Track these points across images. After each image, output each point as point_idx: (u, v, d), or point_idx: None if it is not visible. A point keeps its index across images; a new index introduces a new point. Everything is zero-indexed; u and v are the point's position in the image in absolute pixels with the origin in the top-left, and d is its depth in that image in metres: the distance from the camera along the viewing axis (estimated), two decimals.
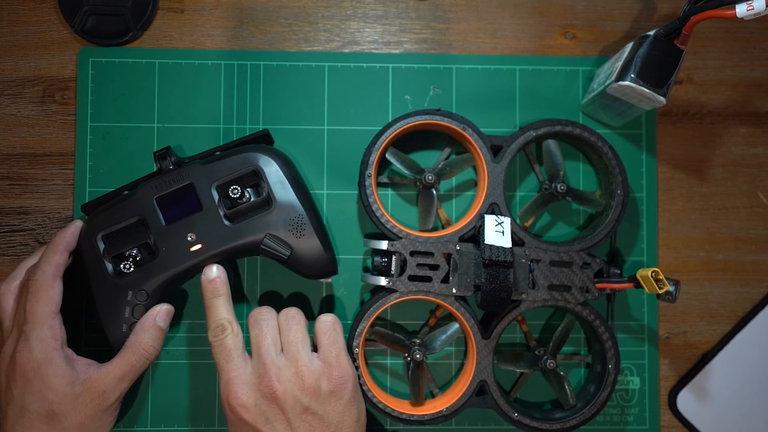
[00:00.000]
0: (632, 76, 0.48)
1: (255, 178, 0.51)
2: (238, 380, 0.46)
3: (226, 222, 0.50)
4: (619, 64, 0.50)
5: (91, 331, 0.55)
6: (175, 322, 0.55)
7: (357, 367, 0.51)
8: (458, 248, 0.52)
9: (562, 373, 0.54)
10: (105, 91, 0.56)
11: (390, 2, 0.58)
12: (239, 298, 0.56)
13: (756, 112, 0.58)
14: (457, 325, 0.54)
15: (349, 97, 0.57)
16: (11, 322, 0.49)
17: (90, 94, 0.56)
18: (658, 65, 0.48)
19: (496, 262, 0.49)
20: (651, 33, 0.49)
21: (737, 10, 0.43)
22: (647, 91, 0.48)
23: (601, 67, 0.56)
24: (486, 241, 0.50)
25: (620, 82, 0.48)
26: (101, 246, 0.50)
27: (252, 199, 0.51)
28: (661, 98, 0.48)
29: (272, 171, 0.51)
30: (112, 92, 0.56)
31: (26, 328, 0.47)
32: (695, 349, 0.58)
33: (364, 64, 0.57)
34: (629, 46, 0.50)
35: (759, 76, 0.58)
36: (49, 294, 0.47)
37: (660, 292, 0.48)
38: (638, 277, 0.49)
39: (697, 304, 0.58)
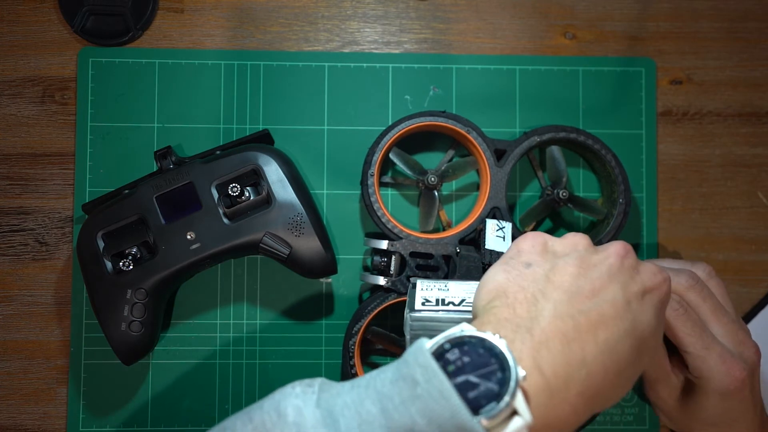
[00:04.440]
0: None
1: (255, 177, 0.51)
2: None
3: (226, 220, 0.50)
4: None
5: (91, 330, 0.55)
6: (174, 321, 0.55)
7: None
8: (458, 251, 0.52)
9: None
10: (105, 91, 0.56)
11: (390, 2, 0.58)
12: (239, 298, 0.55)
13: (756, 112, 0.58)
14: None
15: (349, 97, 0.57)
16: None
17: (90, 94, 0.56)
18: None
19: None
20: None
21: None
22: None
23: None
24: (487, 246, 0.50)
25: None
26: (101, 244, 0.50)
27: (251, 198, 0.51)
28: None
29: (272, 170, 0.51)
30: (112, 92, 0.56)
31: None
32: None
33: (364, 64, 0.57)
34: None
35: (759, 76, 0.58)
36: None
37: None
38: None
39: None
